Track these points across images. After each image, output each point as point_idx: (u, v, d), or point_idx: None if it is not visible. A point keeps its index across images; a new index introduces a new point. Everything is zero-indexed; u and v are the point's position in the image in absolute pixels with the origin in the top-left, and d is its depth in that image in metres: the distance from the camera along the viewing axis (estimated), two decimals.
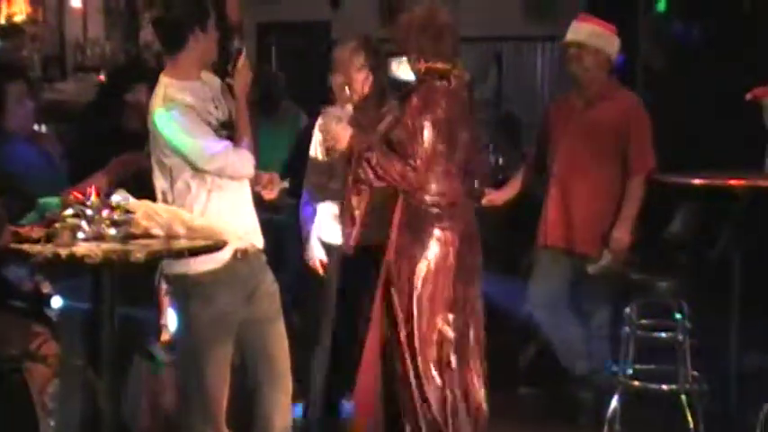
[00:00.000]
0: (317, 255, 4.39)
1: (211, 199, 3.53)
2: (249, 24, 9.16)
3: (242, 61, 3.59)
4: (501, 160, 6.26)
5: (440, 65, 4.00)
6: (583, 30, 4.82)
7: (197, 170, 3.49)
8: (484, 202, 5.29)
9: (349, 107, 4.40)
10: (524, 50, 8.04)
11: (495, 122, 7.28)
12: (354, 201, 4.06)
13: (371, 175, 3.95)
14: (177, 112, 3.45)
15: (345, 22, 8.82)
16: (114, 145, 4.24)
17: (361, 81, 4.33)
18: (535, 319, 4.95)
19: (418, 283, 3.99)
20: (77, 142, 4.69)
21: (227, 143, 3.50)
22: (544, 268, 4.89)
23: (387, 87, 4.43)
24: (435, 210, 4.04)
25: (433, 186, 4.02)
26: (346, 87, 4.33)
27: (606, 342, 4.90)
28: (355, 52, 4.35)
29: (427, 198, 4.03)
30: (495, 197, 5.07)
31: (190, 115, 3.46)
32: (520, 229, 5.42)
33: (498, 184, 5.28)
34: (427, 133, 3.94)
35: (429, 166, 3.97)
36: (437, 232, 4.03)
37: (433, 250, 4.01)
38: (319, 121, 4.40)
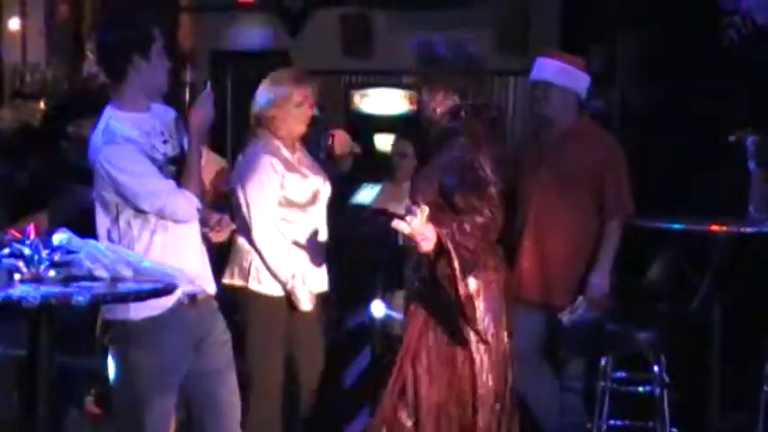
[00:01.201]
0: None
1: (154, 240, 3.51)
2: (202, 52, 9.18)
3: (204, 95, 3.58)
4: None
5: (472, 100, 3.85)
6: (548, 67, 4.85)
7: (138, 209, 3.46)
8: None
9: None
10: (495, 85, 8.10)
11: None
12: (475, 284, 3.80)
13: (474, 243, 3.68)
14: (117, 146, 3.43)
15: (304, 51, 8.85)
16: (55, 181, 4.22)
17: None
18: None
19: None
20: (13, 177, 4.66)
21: (169, 183, 3.48)
22: (517, 320, 4.88)
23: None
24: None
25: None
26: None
27: (580, 396, 4.91)
28: None
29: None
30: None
31: (130, 149, 3.44)
32: None
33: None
34: (481, 169, 3.73)
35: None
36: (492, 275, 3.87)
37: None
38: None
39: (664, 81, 6.62)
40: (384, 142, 7.81)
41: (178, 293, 3.45)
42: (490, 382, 3.84)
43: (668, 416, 4.61)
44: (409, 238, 3.65)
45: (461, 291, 3.71)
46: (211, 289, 3.69)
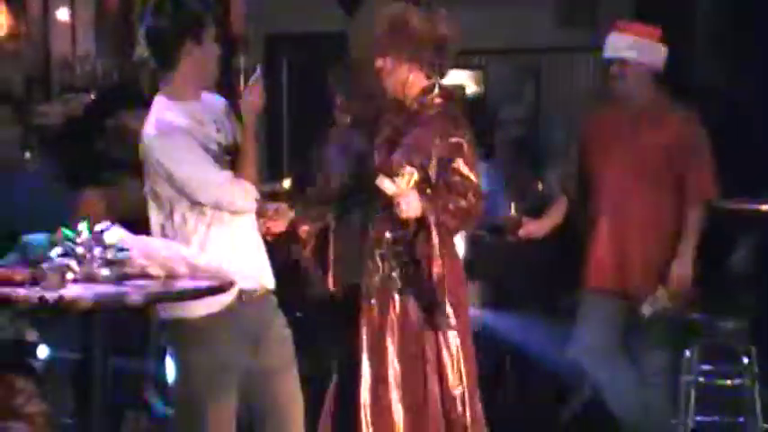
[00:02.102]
0: None
1: (211, 234, 3.52)
2: (256, 36, 9.21)
3: (254, 80, 3.58)
4: (541, 187, 6.25)
5: (438, 79, 4.01)
6: (621, 42, 4.78)
7: (194, 202, 3.49)
8: (521, 233, 5.27)
9: None
10: (559, 63, 8.04)
11: (528, 144, 7.29)
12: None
13: (456, 224, 3.92)
14: (171, 136, 3.44)
15: (363, 33, 8.83)
16: (93, 174, 4.27)
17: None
18: (581, 366, 4.90)
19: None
20: (56, 171, 4.71)
21: (226, 173, 3.49)
22: (592, 311, 4.84)
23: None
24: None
25: None
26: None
27: (663, 391, 4.84)
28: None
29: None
30: (534, 228, 5.02)
31: (185, 140, 3.45)
32: (561, 265, 5.38)
33: (537, 214, 5.25)
34: (468, 152, 3.94)
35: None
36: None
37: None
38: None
39: (746, 53, 6.50)
40: None
41: (235, 290, 3.47)
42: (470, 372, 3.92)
43: (760, 410, 4.54)
44: (390, 201, 3.75)
45: (436, 270, 3.79)
46: (270, 284, 3.70)
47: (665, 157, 4.74)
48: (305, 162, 5.67)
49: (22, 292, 3.07)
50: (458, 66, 8.32)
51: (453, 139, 3.91)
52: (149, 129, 3.50)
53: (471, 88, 8.33)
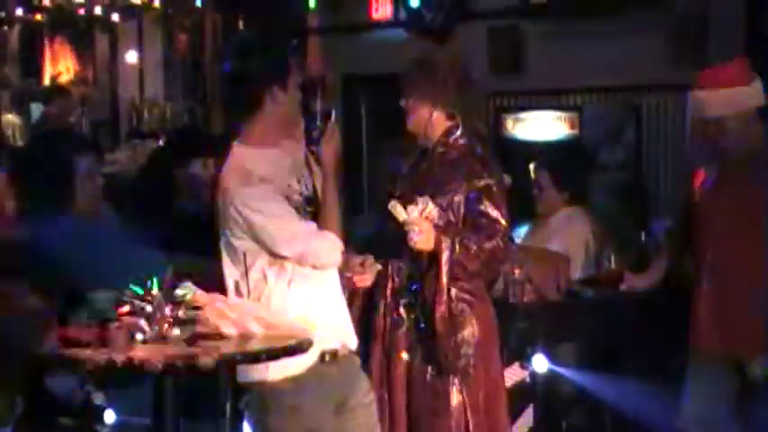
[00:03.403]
0: None
1: (292, 290, 3.55)
2: (333, 77, 9.31)
3: (331, 126, 3.62)
4: (643, 237, 6.19)
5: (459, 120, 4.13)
6: (714, 100, 4.67)
7: (275, 256, 3.51)
8: (623, 287, 5.22)
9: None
10: (670, 102, 7.96)
11: (629, 190, 7.24)
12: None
13: (476, 266, 4.02)
14: (252, 186, 3.48)
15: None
16: (163, 228, 4.32)
17: None
18: None
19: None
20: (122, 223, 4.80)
21: (310, 225, 3.52)
22: (698, 377, 4.75)
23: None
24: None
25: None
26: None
27: None
28: None
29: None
30: (637, 283, 4.97)
31: (266, 190, 3.49)
32: (667, 323, 5.31)
33: (639, 267, 5.20)
34: (494, 196, 4.08)
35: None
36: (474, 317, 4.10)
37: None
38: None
39: None
40: None
41: (317, 350, 3.49)
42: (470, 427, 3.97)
43: None
44: (402, 228, 3.86)
45: (440, 309, 3.89)
46: (353, 343, 3.71)
47: None
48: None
49: (88, 353, 3.13)
50: (551, 106, 8.43)
51: (480, 182, 4.05)
52: (228, 178, 3.54)
53: (565, 130, 8.30)
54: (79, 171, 3.90)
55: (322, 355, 3.56)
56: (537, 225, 5.85)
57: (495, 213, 4.03)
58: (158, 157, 5.20)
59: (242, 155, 3.56)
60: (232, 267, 3.58)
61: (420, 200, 3.94)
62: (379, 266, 3.84)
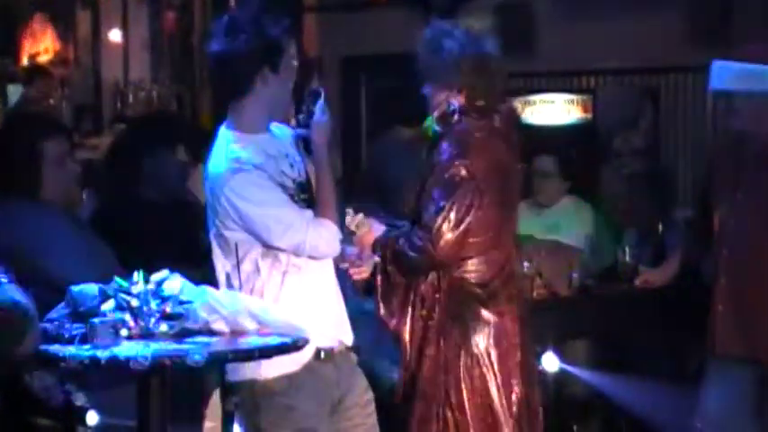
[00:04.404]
0: None
1: (286, 283, 3.56)
2: (331, 59, 9.32)
3: (319, 107, 3.63)
4: (660, 228, 6.20)
5: (481, 101, 4.02)
6: (725, 72, 4.66)
7: (269, 247, 3.53)
8: (638, 282, 5.24)
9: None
10: (690, 85, 7.96)
11: (646, 178, 7.23)
12: None
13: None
14: (244, 173, 3.49)
15: None
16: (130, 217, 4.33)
17: None
18: None
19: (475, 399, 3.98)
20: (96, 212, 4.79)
21: (306, 213, 3.53)
22: (717, 379, 4.76)
23: None
24: (480, 290, 4.00)
25: (475, 260, 3.99)
26: None
27: None
28: None
29: (468, 276, 3.99)
30: (653, 277, 4.99)
31: (258, 177, 3.49)
32: (685, 320, 5.33)
33: (656, 261, 5.22)
34: (464, 188, 3.90)
35: (465, 233, 3.92)
36: (490, 318, 4.00)
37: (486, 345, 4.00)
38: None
39: None
40: None
41: (312, 347, 3.51)
42: None
43: None
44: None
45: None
46: (349, 340, 3.72)
47: None
48: None
49: (70, 350, 3.14)
50: (563, 88, 8.43)
51: (441, 174, 3.93)
52: (217, 165, 3.54)
53: (578, 114, 8.30)
54: (47, 156, 3.90)
55: (317, 353, 3.58)
56: (534, 213, 5.85)
57: (428, 215, 3.91)
58: (122, 142, 5.16)
59: (229, 140, 3.57)
60: (223, 259, 3.60)
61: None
62: (376, 258, 3.85)
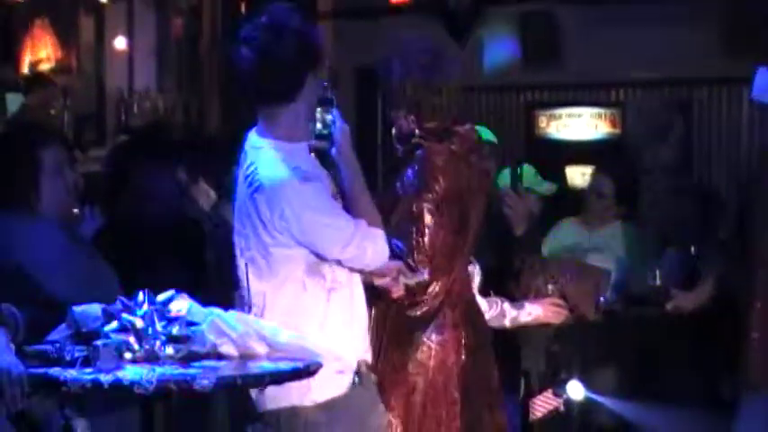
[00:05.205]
0: None
1: (333, 300, 3.55)
2: (346, 69, 9.33)
3: (337, 115, 3.62)
4: (693, 249, 6.19)
5: (436, 123, 4.01)
6: (761, 81, 4.68)
7: (320, 260, 3.51)
8: (669, 307, 5.22)
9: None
10: (722, 97, 7.96)
11: (680, 196, 7.21)
12: None
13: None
14: (312, 183, 3.47)
15: (475, 62, 8.91)
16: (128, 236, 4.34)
17: None
18: None
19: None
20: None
21: (361, 222, 3.52)
22: (752, 410, 4.75)
23: None
24: (423, 314, 3.99)
25: (435, 286, 3.97)
26: None
27: None
28: None
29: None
30: (686, 301, 4.96)
31: (317, 188, 3.49)
32: (718, 346, 5.32)
33: (688, 284, 5.20)
34: (429, 219, 3.91)
35: (432, 262, 3.93)
36: (432, 343, 3.99)
37: (427, 368, 3.98)
38: None
39: None
40: (579, 177, 7.76)
41: (352, 368, 3.53)
42: None
43: None
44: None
45: None
46: (369, 358, 3.73)
47: None
48: None
49: (72, 373, 3.13)
50: (590, 101, 8.43)
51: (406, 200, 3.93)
52: (273, 176, 3.49)
53: (606, 129, 8.30)
54: (44, 167, 3.91)
55: (358, 371, 3.59)
56: (581, 232, 5.83)
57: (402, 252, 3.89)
58: (113, 159, 5.12)
59: (278, 149, 3.54)
60: (259, 280, 3.55)
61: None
62: (425, 275, 3.86)
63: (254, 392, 3.53)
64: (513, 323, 4.74)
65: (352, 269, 3.57)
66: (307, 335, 3.44)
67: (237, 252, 3.61)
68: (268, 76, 3.53)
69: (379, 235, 3.54)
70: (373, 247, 3.53)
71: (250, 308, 3.56)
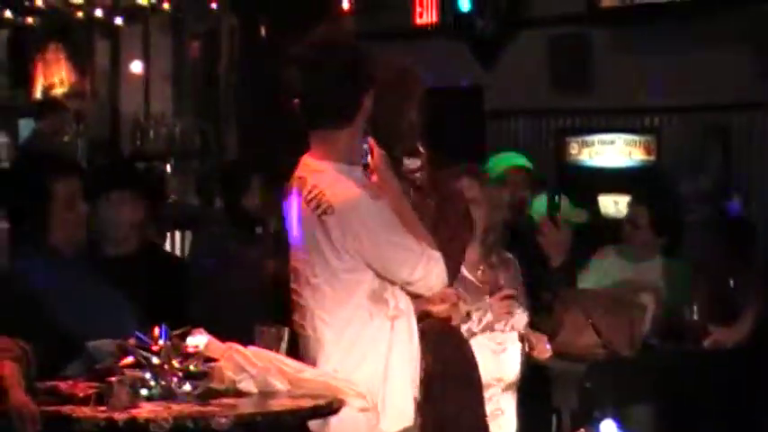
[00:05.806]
0: None
1: (396, 329, 3.55)
2: None
3: (368, 139, 3.63)
4: (732, 282, 6.16)
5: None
6: None
7: (385, 285, 3.51)
8: (707, 343, 5.19)
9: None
10: (757, 121, 7.94)
11: (716, 227, 7.18)
12: None
13: None
14: (382, 203, 3.49)
15: (503, 87, 8.91)
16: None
17: None
18: None
19: None
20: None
21: (423, 245, 3.53)
22: None
23: None
24: None
25: None
26: None
27: None
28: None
29: None
30: (724, 336, 4.94)
31: (385, 209, 3.50)
32: (758, 383, 5.30)
33: (728, 317, 5.17)
34: None
35: None
36: None
37: None
38: None
39: None
40: (612, 205, 7.74)
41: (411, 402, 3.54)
42: None
43: None
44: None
45: None
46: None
47: None
48: None
49: (85, 411, 3.14)
50: (623, 128, 8.41)
51: None
52: (346, 196, 3.49)
53: (640, 156, 8.28)
54: (57, 197, 3.92)
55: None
56: (621, 265, 5.79)
57: None
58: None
59: (340, 171, 3.55)
60: (324, 311, 3.53)
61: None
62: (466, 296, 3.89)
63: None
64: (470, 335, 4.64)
65: (414, 294, 3.57)
66: (372, 364, 3.47)
67: (296, 280, 3.60)
68: (327, 97, 3.53)
69: (440, 258, 3.54)
70: (437, 269, 3.53)
71: (307, 338, 3.54)
